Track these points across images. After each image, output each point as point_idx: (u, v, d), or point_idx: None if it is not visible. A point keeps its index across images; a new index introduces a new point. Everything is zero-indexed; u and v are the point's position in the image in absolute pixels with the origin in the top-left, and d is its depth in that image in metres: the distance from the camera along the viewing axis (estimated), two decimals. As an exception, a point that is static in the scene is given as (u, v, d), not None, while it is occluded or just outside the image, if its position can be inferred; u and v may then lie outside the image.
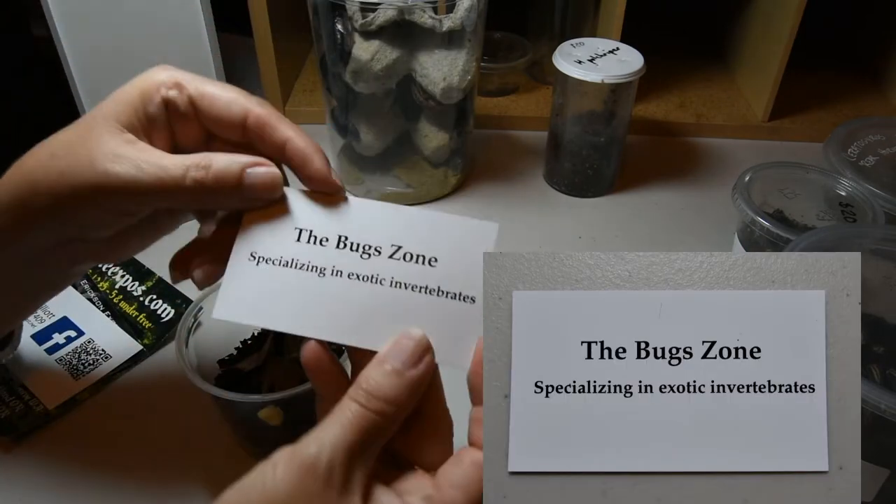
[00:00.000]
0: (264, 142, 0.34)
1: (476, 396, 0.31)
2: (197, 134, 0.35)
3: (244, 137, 0.34)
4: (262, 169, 0.33)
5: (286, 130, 0.33)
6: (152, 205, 0.34)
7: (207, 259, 0.35)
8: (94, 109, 0.34)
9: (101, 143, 0.32)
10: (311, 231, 0.33)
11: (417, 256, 0.33)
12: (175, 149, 0.35)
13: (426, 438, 0.32)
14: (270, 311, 0.32)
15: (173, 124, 0.34)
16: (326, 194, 0.34)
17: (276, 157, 0.34)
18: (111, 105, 0.34)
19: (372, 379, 0.30)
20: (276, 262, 0.33)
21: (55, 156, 0.33)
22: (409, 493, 0.30)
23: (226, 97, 0.34)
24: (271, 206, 0.34)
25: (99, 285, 0.58)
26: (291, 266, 0.33)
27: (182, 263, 0.36)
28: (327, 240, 0.33)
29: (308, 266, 0.33)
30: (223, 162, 0.32)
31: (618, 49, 0.67)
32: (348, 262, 0.33)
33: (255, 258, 0.33)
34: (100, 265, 0.59)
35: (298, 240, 0.33)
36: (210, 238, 0.36)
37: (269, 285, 0.33)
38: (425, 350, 0.31)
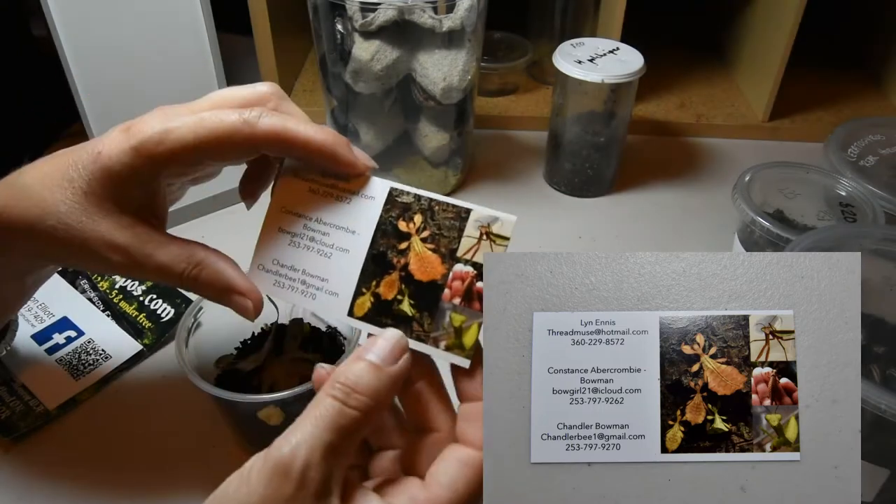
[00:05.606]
0: (282, 153, 0.35)
1: (462, 394, 0.31)
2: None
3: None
4: (240, 298, 0.34)
5: (301, 132, 0.32)
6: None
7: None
8: (85, 170, 0.33)
9: (99, 225, 0.33)
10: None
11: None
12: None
13: (427, 450, 0.32)
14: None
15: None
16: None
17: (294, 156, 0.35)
18: (105, 180, 0.33)
19: (350, 373, 0.29)
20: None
21: (49, 225, 0.33)
22: (394, 495, 0.29)
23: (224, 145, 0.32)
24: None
25: (99, 285, 0.58)
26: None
27: (250, 190, 0.38)
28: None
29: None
30: (211, 273, 0.34)
31: (618, 49, 0.67)
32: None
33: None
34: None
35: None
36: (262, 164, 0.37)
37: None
38: (403, 349, 0.31)
